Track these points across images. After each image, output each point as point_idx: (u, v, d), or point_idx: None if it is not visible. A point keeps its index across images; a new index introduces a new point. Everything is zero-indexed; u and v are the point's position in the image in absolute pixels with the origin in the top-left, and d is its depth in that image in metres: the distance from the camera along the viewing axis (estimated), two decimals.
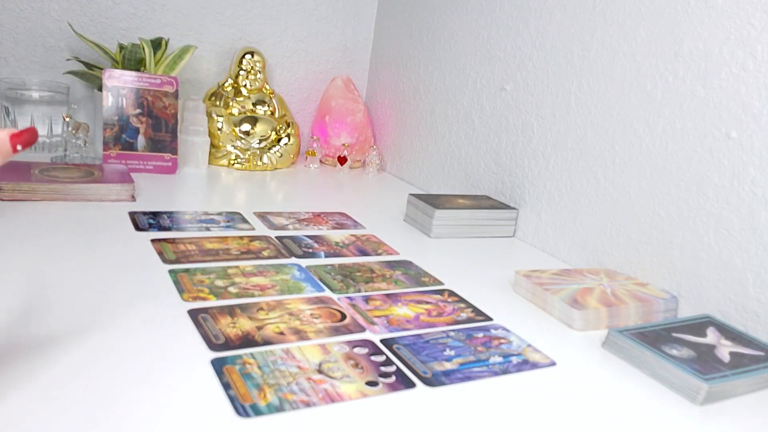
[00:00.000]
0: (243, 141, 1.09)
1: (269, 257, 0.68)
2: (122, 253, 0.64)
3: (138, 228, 0.71)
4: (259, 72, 1.12)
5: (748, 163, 0.62)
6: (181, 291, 0.57)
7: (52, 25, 1.04)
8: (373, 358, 0.50)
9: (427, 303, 0.62)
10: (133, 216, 0.75)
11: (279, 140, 1.13)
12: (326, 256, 0.71)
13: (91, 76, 1.03)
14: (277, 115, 1.15)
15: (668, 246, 0.69)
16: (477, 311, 0.61)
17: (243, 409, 0.41)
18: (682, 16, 0.68)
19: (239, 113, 1.10)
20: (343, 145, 1.17)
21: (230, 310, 0.54)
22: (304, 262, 0.68)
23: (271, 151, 1.12)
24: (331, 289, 0.62)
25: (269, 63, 1.20)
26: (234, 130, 1.09)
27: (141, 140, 0.97)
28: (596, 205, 0.77)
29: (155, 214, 0.77)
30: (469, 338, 0.55)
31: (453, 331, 0.57)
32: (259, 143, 1.11)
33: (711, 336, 0.58)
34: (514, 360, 0.53)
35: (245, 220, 0.79)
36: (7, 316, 0.49)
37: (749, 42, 0.61)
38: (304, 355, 0.49)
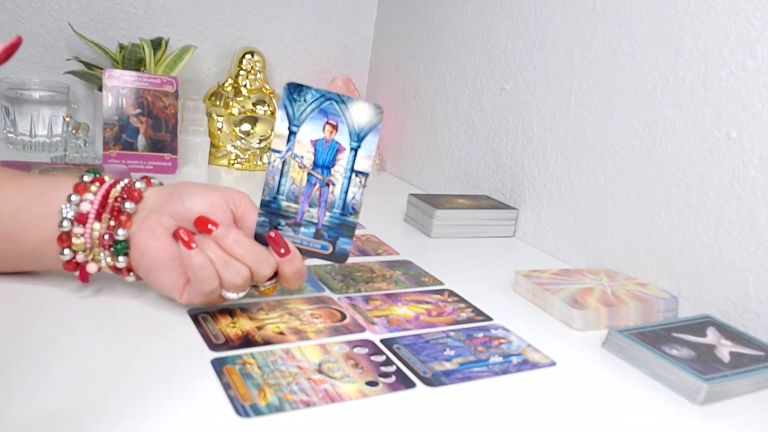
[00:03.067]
0: (243, 141, 1.09)
1: None
2: None
3: None
4: (259, 72, 1.12)
5: (748, 163, 0.62)
6: None
7: (52, 25, 1.04)
8: (373, 358, 0.50)
9: (427, 303, 0.62)
10: None
11: None
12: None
13: (91, 76, 1.03)
14: None
15: (668, 246, 0.69)
16: (477, 311, 0.61)
17: (243, 409, 0.41)
18: (682, 16, 0.68)
19: (239, 113, 1.10)
20: None
21: (230, 310, 0.54)
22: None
23: None
24: (331, 289, 0.62)
25: (269, 63, 1.20)
26: (234, 130, 1.09)
27: (141, 140, 0.97)
28: (596, 205, 0.77)
29: None
30: (469, 338, 0.55)
31: (453, 331, 0.57)
32: (259, 143, 1.11)
33: (711, 336, 0.58)
34: (514, 360, 0.53)
35: None
36: (6, 312, 0.49)
37: (749, 42, 0.61)
38: (304, 355, 0.49)
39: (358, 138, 0.51)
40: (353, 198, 0.52)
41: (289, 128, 0.51)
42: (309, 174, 0.52)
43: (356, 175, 0.52)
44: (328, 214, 0.52)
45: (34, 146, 1.00)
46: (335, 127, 0.51)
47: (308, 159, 0.52)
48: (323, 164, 0.52)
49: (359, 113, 0.51)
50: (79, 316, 0.50)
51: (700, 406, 0.49)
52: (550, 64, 0.84)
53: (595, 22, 0.78)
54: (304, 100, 0.51)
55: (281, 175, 0.52)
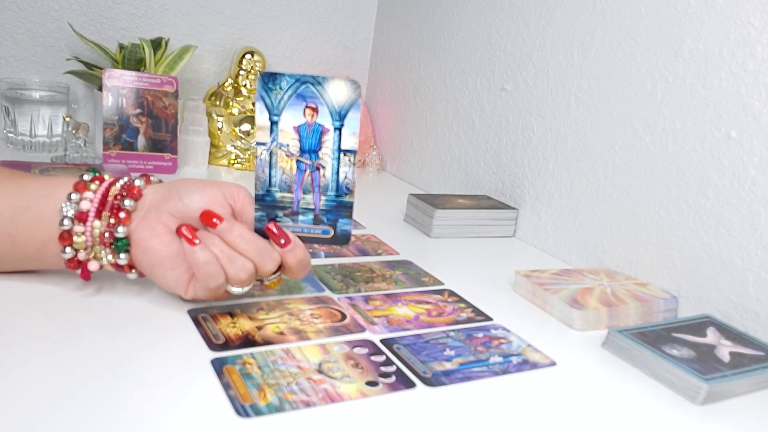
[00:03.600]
0: (243, 141, 1.09)
1: None
2: None
3: None
4: (259, 72, 1.12)
5: (748, 163, 0.62)
6: None
7: (52, 25, 1.04)
8: (373, 358, 0.50)
9: (427, 303, 0.62)
10: None
11: None
12: (326, 256, 0.71)
13: (91, 76, 1.03)
14: None
15: (668, 246, 0.69)
16: (477, 311, 0.61)
17: (243, 409, 0.41)
18: (682, 16, 0.68)
19: (239, 113, 1.10)
20: None
21: (230, 310, 0.54)
22: None
23: None
24: (331, 289, 0.62)
25: (269, 63, 1.20)
26: (234, 130, 1.09)
27: (141, 140, 0.97)
28: (596, 205, 0.77)
29: None
30: (469, 338, 0.55)
31: (453, 331, 0.57)
32: None
33: (711, 336, 0.58)
34: (514, 360, 0.53)
35: None
36: (7, 311, 0.49)
37: (749, 42, 0.61)
38: (304, 355, 0.49)
39: (340, 117, 0.50)
40: (345, 178, 0.52)
41: (269, 118, 0.51)
42: (298, 161, 0.51)
43: (344, 155, 0.51)
44: (323, 198, 0.52)
45: (34, 146, 1.00)
46: (315, 110, 0.50)
47: (294, 146, 0.51)
48: (310, 149, 0.51)
49: (337, 92, 0.50)
50: (80, 315, 0.50)
51: (700, 406, 0.49)
52: (550, 64, 0.84)
53: (595, 22, 0.78)
54: (280, 88, 0.50)
55: (270, 167, 0.51)
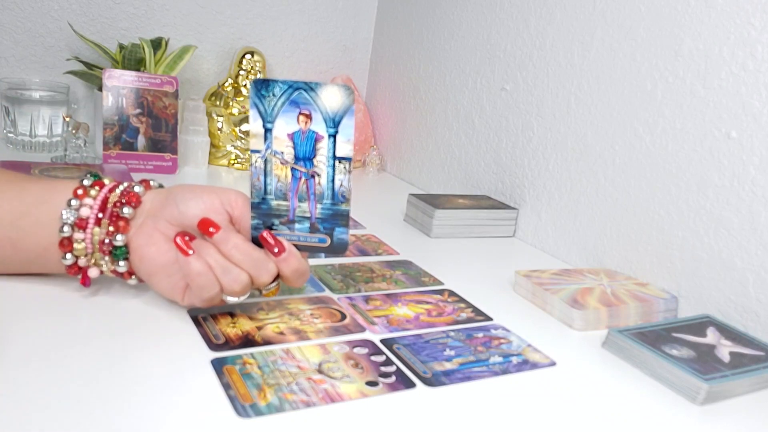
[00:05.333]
0: (243, 141, 1.09)
1: None
2: None
3: None
4: (259, 72, 1.12)
5: (748, 163, 0.62)
6: None
7: (52, 25, 1.04)
8: (373, 358, 0.50)
9: (427, 303, 0.62)
10: None
11: None
12: (326, 256, 0.71)
13: (91, 76, 1.03)
14: None
15: (668, 246, 0.69)
16: (477, 311, 0.61)
17: (243, 409, 0.41)
18: (682, 16, 0.68)
19: (239, 113, 1.10)
20: None
21: (230, 310, 0.54)
22: None
23: None
24: (331, 289, 0.62)
25: (269, 63, 1.20)
26: (234, 130, 1.09)
27: (141, 140, 0.97)
28: (596, 205, 0.77)
29: None
30: (469, 338, 0.55)
31: (453, 331, 0.57)
32: None
33: (711, 336, 0.58)
34: (514, 360, 0.53)
35: None
36: (6, 311, 0.49)
37: (749, 42, 0.61)
38: (304, 355, 0.49)
39: (334, 123, 0.49)
40: (341, 185, 0.51)
41: (263, 126, 0.50)
42: (292, 169, 0.51)
43: (339, 162, 0.50)
44: (319, 206, 0.51)
45: (34, 146, 1.00)
46: (309, 117, 0.49)
47: (288, 154, 0.50)
48: (304, 156, 0.50)
49: (330, 98, 0.49)
50: (79, 315, 0.50)
51: (700, 406, 0.49)
52: (550, 64, 0.84)
53: (595, 22, 0.78)
54: (273, 95, 0.49)
55: (265, 175, 0.51)
